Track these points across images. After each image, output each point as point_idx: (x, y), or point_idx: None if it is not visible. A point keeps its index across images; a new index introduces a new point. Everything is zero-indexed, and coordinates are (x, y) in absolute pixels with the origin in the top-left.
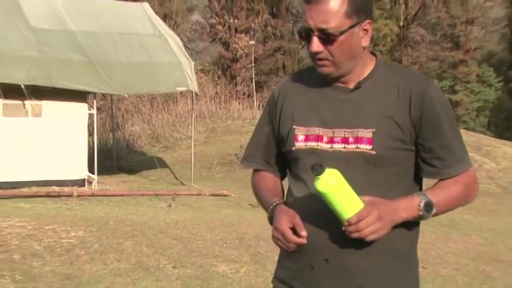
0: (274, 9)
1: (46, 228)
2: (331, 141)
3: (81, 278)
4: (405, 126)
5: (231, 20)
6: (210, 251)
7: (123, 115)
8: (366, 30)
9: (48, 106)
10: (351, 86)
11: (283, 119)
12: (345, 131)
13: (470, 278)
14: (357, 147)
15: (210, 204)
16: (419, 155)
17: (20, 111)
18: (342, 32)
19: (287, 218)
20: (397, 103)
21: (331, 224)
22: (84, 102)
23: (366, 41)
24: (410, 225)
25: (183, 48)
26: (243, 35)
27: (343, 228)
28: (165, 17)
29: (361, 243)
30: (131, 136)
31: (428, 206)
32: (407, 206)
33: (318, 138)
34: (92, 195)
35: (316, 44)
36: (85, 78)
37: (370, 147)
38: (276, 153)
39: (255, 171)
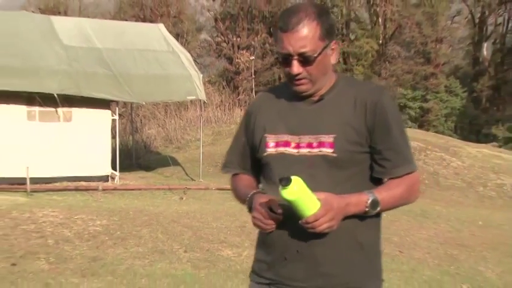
0: (271, 29)
1: (75, 217)
2: (297, 146)
3: (105, 260)
4: (361, 131)
5: (234, 39)
6: (216, 237)
7: (141, 120)
8: (333, 49)
9: (77, 113)
10: (316, 97)
11: (257, 130)
12: (309, 137)
13: (440, 260)
14: (320, 151)
15: (216, 197)
16: (371, 156)
17: (53, 117)
18: (319, 54)
19: (264, 199)
20: (355, 111)
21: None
22: (108, 109)
23: (333, 58)
24: (373, 219)
25: (193, 62)
26: (244, 51)
27: (299, 222)
28: (177, 36)
29: (328, 237)
30: (148, 138)
31: (374, 204)
32: (356, 202)
33: (286, 144)
34: (115, 189)
35: (297, 67)
36: (109, 88)
37: (332, 150)
38: (251, 160)
39: (233, 175)
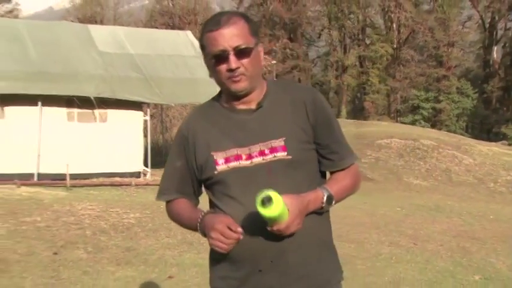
0: (291, 35)
1: (111, 210)
2: (249, 157)
3: (138, 250)
4: (307, 129)
5: None
6: None
7: (170, 120)
8: (260, 51)
9: (112, 114)
10: (252, 106)
11: (199, 150)
12: (260, 145)
13: (453, 252)
14: (274, 156)
15: None
16: (318, 152)
17: (91, 118)
18: (253, 48)
19: (220, 219)
20: (295, 111)
21: (267, 231)
22: (140, 110)
23: (262, 61)
24: (326, 214)
25: None
26: (266, 56)
27: (268, 228)
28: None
29: (297, 241)
30: None
31: (329, 199)
32: (314, 200)
33: (238, 158)
34: (147, 184)
35: (234, 61)
36: (140, 91)
37: (285, 153)
38: (191, 184)
39: (169, 202)
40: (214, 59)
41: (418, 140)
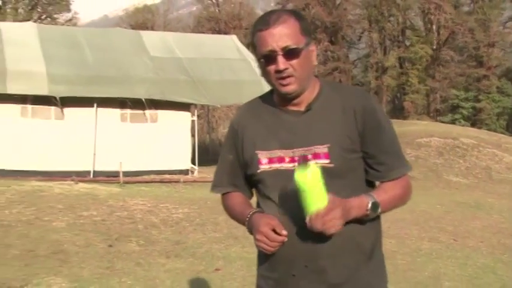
0: (332, 38)
1: (161, 206)
2: (292, 160)
3: (187, 243)
4: (354, 137)
5: None
6: None
7: (216, 121)
8: (312, 50)
9: (162, 114)
10: (302, 108)
11: (246, 146)
12: (303, 150)
13: (493, 249)
14: (316, 163)
15: None
16: (365, 161)
17: (142, 119)
18: (303, 48)
19: (266, 221)
20: (344, 118)
21: (304, 235)
22: (188, 111)
23: (315, 60)
24: (373, 223)
25: None
26: None
27: (307, 219)
28: (248, 46)
29: (334, 247)
30: (222, 136)
31: (375, 206)
32: (358, 206)
33: (281, 160)
34: (194, 181)
35: (283, 62)
36: (188, 93)
37: (328, 161)
38: (242, 177)
39: (224, 194)
40: (264, 59)
41: (458, 138)
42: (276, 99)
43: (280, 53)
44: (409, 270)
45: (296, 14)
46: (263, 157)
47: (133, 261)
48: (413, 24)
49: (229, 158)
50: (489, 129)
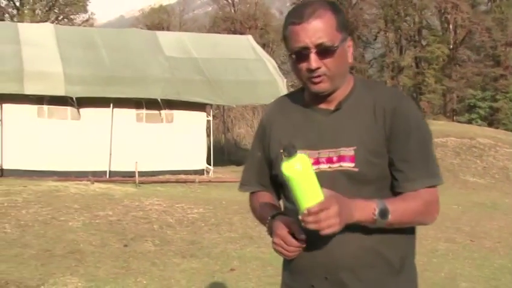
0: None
1: (176, 206)
2: (317, 162)
3: (202, 243)
4: (381, 140)
5: None
6: None
7: (232, 121)
8: (348, 46)
9: (178, 114)
10: (332, 106)
11: (272, 144)
12: (329, 151)
13: (510, 250)
14: (340, 166)
15: None
16: (389, 168)
17: (158, 119)
18: (338, 46)
19: (285, 224)
20: (374, 119)
21: (326, 243)
22: (203, 111)
23: (350, 57)
24: (403, 236)
25: (278, 69)
26: None
27: (299, 217)
28: (263, 46)
29: (356, 259)
30: (238, 137)
31: (383, 213)
32: (363, 208)
33: None
34: (209, 181)
35: (315, 60)
36: (204, 93)
37: (353, 164)
38: (270, 176)
39: (252, 193)
40: (295, 56)
41: (475, 138)
42: (307, 97)
43: (314, 50)
44: (425, 270)
45: (333, 7)
46: None
47: (148, 261)
48: (429, 24)
49: (258, 155)
50: (506, 129)
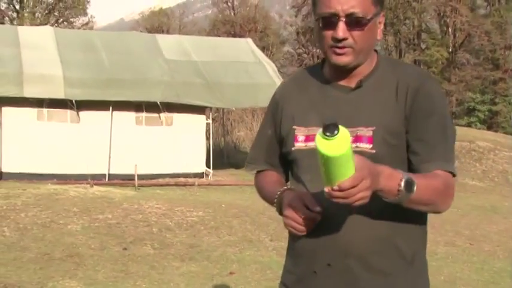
0: None
1: (175, 209)
2: None
3: (201, 247)
4: (401, 119)
5: (314, 50)
6: None
7: (231, 124)
8: (380, 22)
9: (177, 117)
10: (353, 84)
11: (284, 120)
12: None
13: (510, 253)
14: (357, 147)
15: None
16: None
17: (157, 122)
18: (370, 19)
19: (298, 195)
20: (396, 99)
21: (332, 227)
22: (203, 114)
23: (380, 34)
24: (416, 227)
25: (277, 72)
26: None
27: (326, 190)
28: (263, 49)
29: (365, 245)
30: (237, 139)
31: (409, 184)
32: (389, 176)
33: None
34: (209, 184)
35: (343, 30)
36: (203, 96)
37: (370, 146)
38: (280, 155)
39: (258, 172)
40: (322, 22)
41: (474, 141)
42: (326, 71)
43: (343, 19)
44: None
45: None
46: (300, 133)
47: (147, 265)
48: (429, 27)
49: (268, 133)
50: (506, 133)
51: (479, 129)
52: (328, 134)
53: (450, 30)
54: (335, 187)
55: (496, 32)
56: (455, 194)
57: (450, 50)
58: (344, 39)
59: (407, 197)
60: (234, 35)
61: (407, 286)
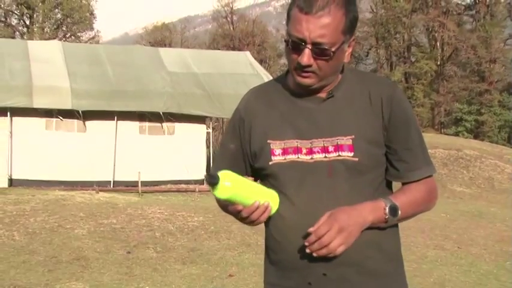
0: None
1: (177, 214)
2: (310, 152)
3: (202, 250)
4: (379, 129)
5: None
6: None
7: None
8: (349, 46)
9: (179, 127)
10: (323, 95)
11: (255, 135)
12: (323, 141)
13: (496, 256)
14: (339, 155)
15: None
16: (387, 157)
17: (160, 131)
18: (336, 49)
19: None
20: (371, 107)
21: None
22: (203, 123)
23: (348, 57)
24: (393, 227)
25: None
26: None
27: (307, 250)
28: (261, 61)
29: (356, 253)
30: None
31: (393, 210)
32: (373, 209)
33: (298, 151)
34: (209, 191)
35: (308, 57)
36: (204, 106)
37: (352, 154)
38: (243, 170)
39: None
40: (291, 44)
41: (462, 150)
42: (292, 85)
43: (309, 46)
44: (415, 276)
45: (348, 5)
46: (276, 147)
47: (150, 267)
48: (418, 41)
49: (231, 147)
50: (491, 141)
51: (466, 138)
52: (211, 183)
53: (438, 44)
54: (308, 240)
55: (482, 46)
56: (444, 200)
57: (438, 63)
58: (309, 65)
59: (395, 220)
60: (233, 48)
61: (398, 284)
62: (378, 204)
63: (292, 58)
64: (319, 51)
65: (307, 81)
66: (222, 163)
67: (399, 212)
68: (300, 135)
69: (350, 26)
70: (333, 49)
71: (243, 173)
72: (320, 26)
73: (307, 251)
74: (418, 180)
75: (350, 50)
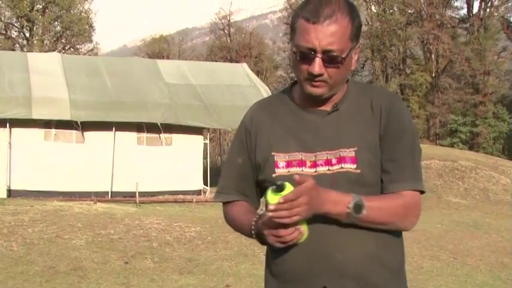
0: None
1: (174, 224)
2: (314, 165)
3: (199, 260)
4: (378, 139)
5: None
6: None
7: (227, 143)
8: (356, 53)
9: (176, 138)
10: (328, 108)
11: (260, 147)
12: (327, 153)
13: (492, 267)
14: (341, 167)
15: None
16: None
17: (157, 142)
18: (346, 56)
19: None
20: (372, 119)
21: (323, 249)
22: (200, 134)
23: (354, 64)
24: (396, 240)
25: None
26: None
27: (268, 214)
28: (258, 73)
29: (357, 266)
30: None
31: (358, 207)
32: (336, 200)
33: (301, 164)
34: (206, 201)
35: (319, 66)
36: (201, 117)
37: (354, 166)
38: (253, 183)
39: (226, 203)
40: (299, 54)
41: (457, 161)
42: (297, 96)
43: (320, 55)
44: (411, 287)
45: (352, 12)
46: (281, 160)
47: (148, 278)
48: (413, 54)
49: (238, 161)
50: (486, 153)
51: (461, 149)
52: (275, 189)
53: (433, 56)
54: (271, 207)
55: (476, 59)
56: (439, 210)
57: (433, 75)
58: (320, 75)
59: (357, 219)
60: (230, 60)
61: None
62: (344, 198)
63: (302, 69)
64: (330, 59)
65: (318, 90)
66: (230, 179)
67: (364, 211)
68: (304, 148)
69: (356, 32)
70: (343, 56)
71: (252, 186)
72: (329, 34)
73: (268, 213)
74: (396, 192)
75: (356, 57)
